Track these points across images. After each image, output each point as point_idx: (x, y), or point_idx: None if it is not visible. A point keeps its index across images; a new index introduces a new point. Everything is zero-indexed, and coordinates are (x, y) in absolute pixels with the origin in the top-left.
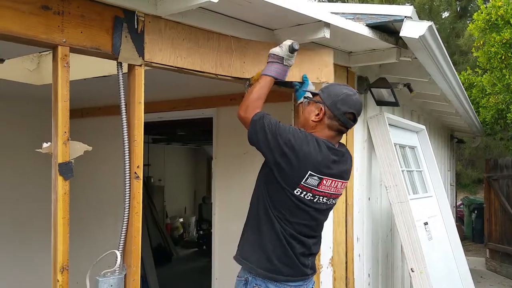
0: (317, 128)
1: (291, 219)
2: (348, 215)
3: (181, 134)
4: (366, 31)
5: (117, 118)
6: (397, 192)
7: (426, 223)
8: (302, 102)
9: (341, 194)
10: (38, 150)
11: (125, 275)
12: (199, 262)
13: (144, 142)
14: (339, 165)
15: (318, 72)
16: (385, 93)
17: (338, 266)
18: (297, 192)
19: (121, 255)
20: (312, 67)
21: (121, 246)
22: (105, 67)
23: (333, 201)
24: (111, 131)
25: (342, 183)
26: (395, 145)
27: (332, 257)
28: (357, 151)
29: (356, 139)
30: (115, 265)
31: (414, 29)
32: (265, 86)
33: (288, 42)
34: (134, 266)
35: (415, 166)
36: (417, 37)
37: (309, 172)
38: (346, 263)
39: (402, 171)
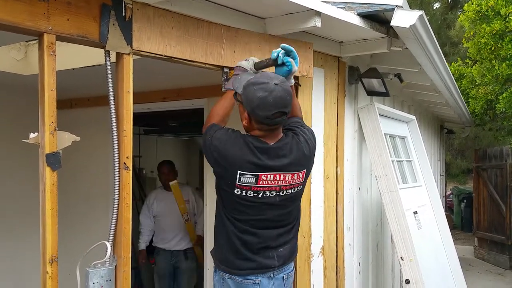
0: (250, 130)
1: (240, 217)
2: (339, 204)
3: (173, 126)
4: (357, 20)
5: (107, 108)
6: (387, 181)
7: (415, 212)
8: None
9: (300, 183)
10: (25, 140)
11: (115, 266)
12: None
13: (135, 134)
14: (278, 160)
15: (300, 66)
16: (375, 83)
17: (328, 255)
18: (237, 191)
19: (111, 246)
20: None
21: (111, 237)
22: (94, 56)
23: (291, 191)
24: (100, 121)
25: (291, 175)
26: (385, 135)
27: (323, 246)
28: (347, 141)
29: (347, 129)
30: (105, 256)
31: (404, 18)
32: (226, 100)
33: (254, 58)
34: (125, 257)
35: (405, 156)
36: (407, 26)
37: (239, 172)
38: (336, 252)
39: (392, 161)
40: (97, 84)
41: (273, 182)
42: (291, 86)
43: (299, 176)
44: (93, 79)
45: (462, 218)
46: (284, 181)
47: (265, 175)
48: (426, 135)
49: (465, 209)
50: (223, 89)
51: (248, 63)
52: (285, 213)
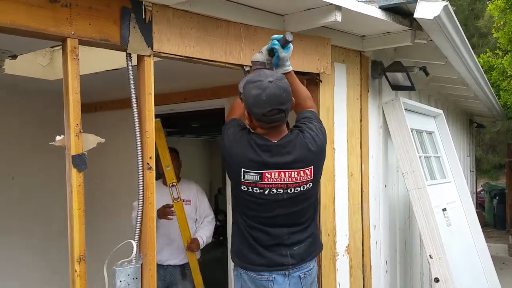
0: (254, 128)
1: (250, 213)
2: (364, 202)
3: (195, 126)
4: (379, 14)
5: (130, 110)
6: (415, 178)
7: (444, 209)
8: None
9: (309, 181)
10: (51, 143)
11: (141, 264)
12: (215, 252)
13: None
14: (281, 157)
15: (318, 63)
16: (400, 77)
17: (354, 253)
18: (243, 188)
19: (137, 245)
20: (312, 57)
21: (136, 236)
22: (116, 59)
23: (300, 189)
24: (124, 123)
25: (297, 172)
26: (411, 131)
27: (348, 245)
28: (372, 138)
29: (371, 125)
30: (131, 254)
31: (428, 9)
32: None
33: (265, 46)
34: (150, 255)
35: (433, 151)
36: (431, 18)
37: (243, 169)
38: (362, 250)
39: (420, 157)
40: (119, 87)
41: (279, 180)
42: (289, 73)
43: (306, 174)
44: (116, 82)
45: (495, 215)
46: (290, 178)
47: (269, 173)
48: (454, 130)
49: (498, 205)
50: None
51: (262, 55)
52: (296, 212)
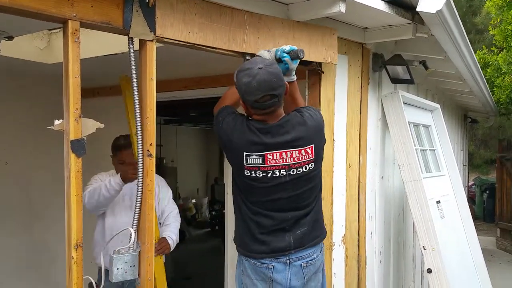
0: (250, 115)
1: (253, 198)
2: (361, 193)
3: (193, 115)
4: (382, 6)
5: None
6: (411, 170)
7: (438, 202)
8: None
9: (311, 160)
10: (50, 127)
11: (139, 252)
12: (211, 242)
13: (156, 123)
14: (280, 137)
15: (324, 53)
16: (400, 71)
17: (350, 243)
18: (246, 173)
19: (135, 232)
20: (318, 48)
21: (135, 224)
22: (117, 44)
23: (302, 169)
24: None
25: (298, 151)
26: (409, 124)
27: (344, 235)
28: (371, 130)
29: (370, 118)
30: (129, 242)
31: (431, 3)
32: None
33: (274, 50)
34: (148, 243)
35: (429, 144)
36: (434, 12)
37: (245, 153)
38: (358, 241)
39: (416, 149)
40: (119, 72)
41: (281, 161)
42: (292, 82)
43: (307, 152)
44: (115, 67)
45: (484, 209)
46: (291, 158)
47: (271, 154)
48: (449, 124)
49: (488, 199)
50: None
51: (270, 54)
52: (299, 195)
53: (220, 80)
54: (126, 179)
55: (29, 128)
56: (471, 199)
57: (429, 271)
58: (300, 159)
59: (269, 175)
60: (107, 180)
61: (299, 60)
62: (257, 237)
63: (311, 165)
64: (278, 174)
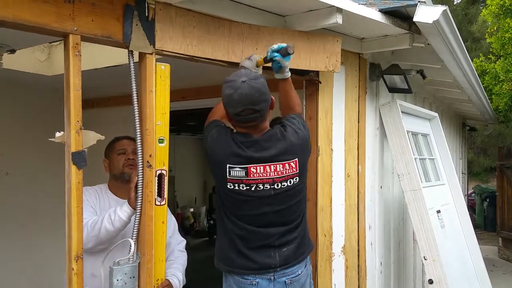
0: (234, 127)
1: (237, 212)
2: (360, 203)
3: (191, 124)
4: (378, 17)
5: (126, 108)
6: (410, 180)
7: (438, 211)
8: (282, 79)
9: (295, 174)
10: (51, 139)
11: (139, 263)
12: (210, 251)
13: None
14: (264, 151)
15: (326, 61)
16: (397, 80)
17: (350, 254)
18: (229, 186)
19: (135, 243)
20: (319, 56)
21: (134, 235)
22: (115, 56)
23: (286, 183)
24: (120, 121)
25: (282, 165)
26: (407, 133)
27: (344, 245)
28: (369, 139)
29: (368, 127)
30: (129, 253)
31: (428, 14)
32: None
33: (256, 57)
34: (148, 254)
35: (428, 153)
36: (431, 22)
37: (228, 165)
38: (358, 251)
39: (415, 158)
40: (117, 84)
41: (264, 174)
42: (286, 79)
43: (291, 166)
44: (114, 79)
45: (485, 218)
46: (275, 172)
47: (254, 167)
48: (447, 133)
49: (488, 208)
50: None
51: (251, 62)
52: (284, 210)
53: (219, 91)
54: (125, 173)
55: (31, 139)
56: (471, 208)
57: (431, 282)
58: (284, 172)
59: (252, 188)
60: (111, 210)
61: (291, 56)
62: (243, 252)
63: (296, 179)
64: (262, 187)
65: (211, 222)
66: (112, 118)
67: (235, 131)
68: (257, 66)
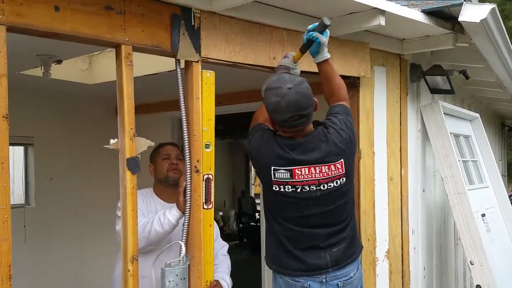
0: (278, 131)
1: (284, 214)
2: (403, 207)
3: (220, 129)
4: (421, 17)
5: (161, 114)
6: (454, 182)
7: (483, 215)
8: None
9: (341, 175)
10: (106, 146)
11: (188, 265)
12: (240, 254)
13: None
14: (309, 154)
15: (358, 67)
16: (440, 81)
17: (394, 258)
18: (275, 188)
19: (185, 245)
20: (352, 62)
21: (184, 237)
22: (154, 65)
23: (332, 184)
24: (156, 127)
25: (327, 166)
26: (450, 134)
27: (388, 249)
28: (410, 142)
29: (409, 129)
30: (180, 255)
31: (474, 13)
32: None
33: (292, 53)
34: (197, 256)
35: (470, 155)
36: (478, 21)
37: (272, 167)
38: (402, 255)
39: (458, 161)
40: (155, 92)
41: (310, 176)
42: (327, 61)
43: (337, 167)
44: (147, 88)
45: None
46: (321, 173)
47: (299, 169)
48: (486, 133)
49: None
50: None
51: (287, 60)
52: (332, 211)
53: (253, 96)
54: (168, 177)
55: (74, 146)
56: None
57: (479, 287)
58: (330, 174)
59: (298, 190)
60: (161, 213)
61: (328, 32)
62: (292, 252)
63: (342, 179)
64: (308, 189)
65: (241, 225)
66: (148, 124)
67: (277, 133)
68: (295, 62)
